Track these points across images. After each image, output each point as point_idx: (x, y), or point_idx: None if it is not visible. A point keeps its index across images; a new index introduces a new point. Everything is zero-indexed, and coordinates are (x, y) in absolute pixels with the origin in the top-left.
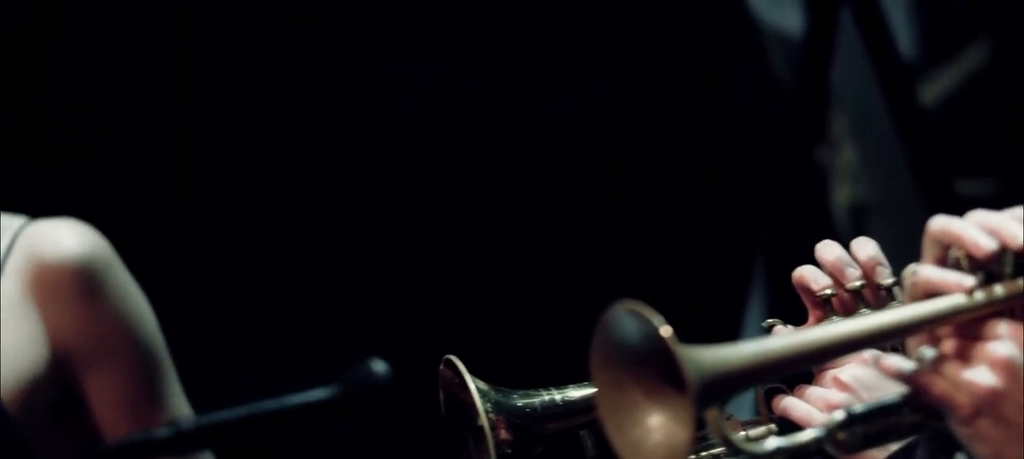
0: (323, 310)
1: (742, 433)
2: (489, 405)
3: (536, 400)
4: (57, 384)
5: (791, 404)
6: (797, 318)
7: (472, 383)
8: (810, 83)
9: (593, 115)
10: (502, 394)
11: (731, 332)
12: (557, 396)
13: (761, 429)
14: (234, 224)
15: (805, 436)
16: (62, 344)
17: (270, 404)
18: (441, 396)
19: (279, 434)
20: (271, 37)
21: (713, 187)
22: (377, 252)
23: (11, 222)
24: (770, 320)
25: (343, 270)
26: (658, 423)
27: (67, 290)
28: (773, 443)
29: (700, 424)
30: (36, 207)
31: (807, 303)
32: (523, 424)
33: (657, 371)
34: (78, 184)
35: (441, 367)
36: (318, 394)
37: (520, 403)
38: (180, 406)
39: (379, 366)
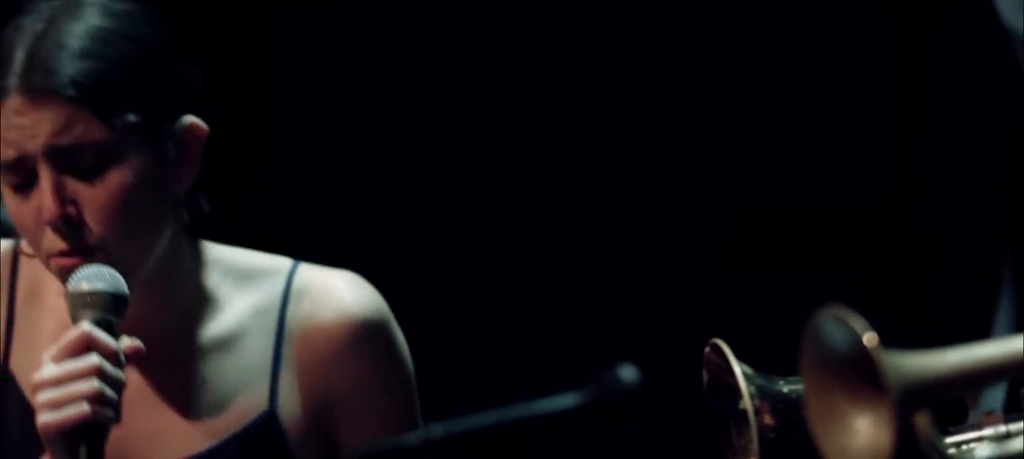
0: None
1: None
2: (753, 389)
3: (799, 386)
4: (322, 432)
5: None
6: None
7: (738, 367)
8: None
9: None
10: (767, 379)
11: (982, 331)
12: None
13: (1020, 425)
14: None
15: (1019, 445)
16: (332, 394)
17: (519, 410)
18: (705, 378)
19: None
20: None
21: (960, 193)
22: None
23: (280, 264)
24: None
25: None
26: (863, 428)
27: (345, 345)
28: (984, 452)
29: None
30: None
31: None
32: (786, 410)
33: (862, 377)
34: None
35: (707, 350)
36: (567, 401)
37: (785, 389)
38: None
39: (629, 372)
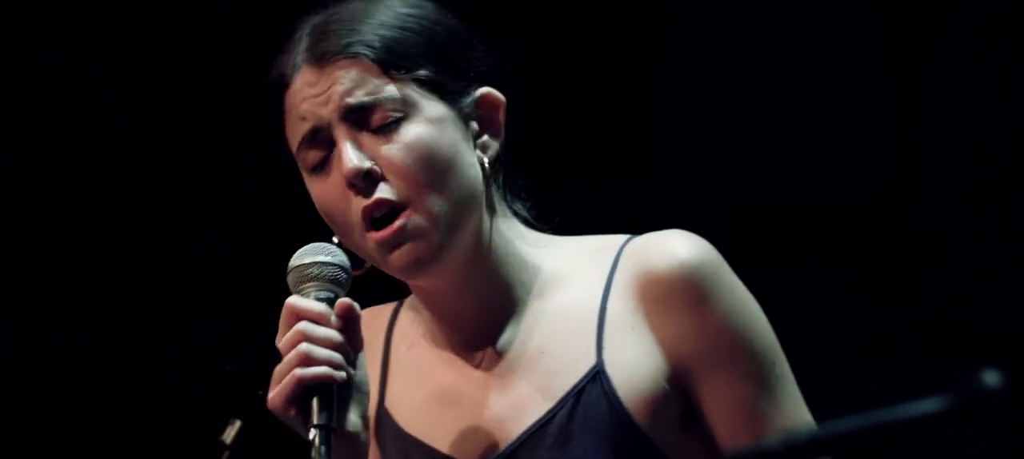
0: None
1: None
2: None
3: None
4: (681, 394)
5: None
6: None
7: None
8: None
9: None
10: None
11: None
12: None
13: None
14: None
15: None
16: (677, 354)
17: (883, 415)
18: None
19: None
20: None
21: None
22: None
23: (618, 237)
24: None
25: None
26: None
27: (676, 300)
28: None
29: None
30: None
31: None
32: None
33: None
34: None
35: None
36: (930, 406)
37: None
38: (799, 413)
39: (992, 377)
